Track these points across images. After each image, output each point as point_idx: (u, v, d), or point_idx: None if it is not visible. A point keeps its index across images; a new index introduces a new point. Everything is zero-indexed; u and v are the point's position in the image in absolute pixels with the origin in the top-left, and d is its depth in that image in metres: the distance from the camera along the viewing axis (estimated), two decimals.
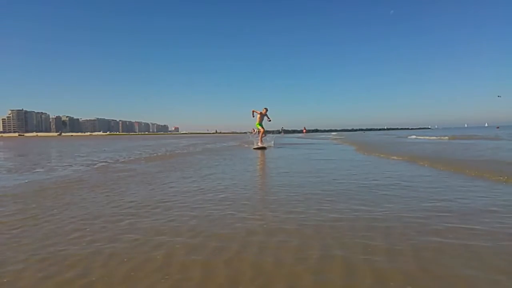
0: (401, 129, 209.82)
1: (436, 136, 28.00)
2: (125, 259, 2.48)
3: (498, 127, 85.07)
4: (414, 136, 31.65)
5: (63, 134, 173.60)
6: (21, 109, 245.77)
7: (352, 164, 9.04)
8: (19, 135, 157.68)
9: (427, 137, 27.23)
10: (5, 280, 2.19)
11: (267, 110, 15.13)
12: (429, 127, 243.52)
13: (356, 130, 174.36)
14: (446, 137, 24.91)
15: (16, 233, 3.17)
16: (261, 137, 15.09)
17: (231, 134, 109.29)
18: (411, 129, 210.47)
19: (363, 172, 7.06)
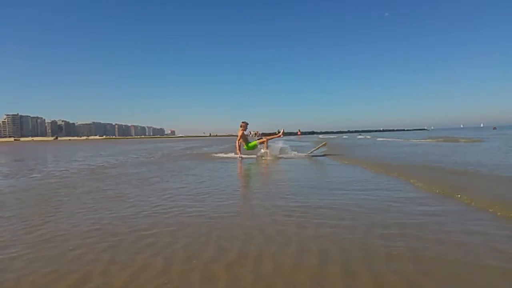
0: (397, 130, 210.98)
1: (401, 139, 30.26)
2: (125, 265, 2.48)
3: (495, 128, 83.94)
4: (381, 138, 34.96)
5: (59, 138, 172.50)
6: (16, 113, 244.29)
7: (298, 166, 9.61)
8: (14, 139, 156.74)
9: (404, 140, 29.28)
10: None
11: (246, 124, 11.74)
12: (425, 128, 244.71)
13: (352, 132, 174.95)
14: (429, 140, 26.14)
15: (14, 239, 3.15)
16: (265, 144, 11.66)
17: (228, 137, 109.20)
18: (407, 130, 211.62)
19: (295, 174, 8.00)
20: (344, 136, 61.41)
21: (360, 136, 54.34)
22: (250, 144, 11.90)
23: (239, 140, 11.58)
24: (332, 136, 70.53)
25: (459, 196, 4.49)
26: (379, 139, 34.32)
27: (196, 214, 3.94)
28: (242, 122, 11.68)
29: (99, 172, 9.13)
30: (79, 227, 3.52)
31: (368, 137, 47.48)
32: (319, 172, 8.20)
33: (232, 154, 13.06)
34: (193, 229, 3.35)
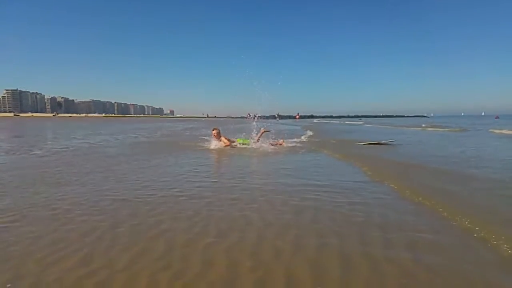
0: (396, 116, 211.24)
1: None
2: (126, 247, 2.55)
3: (497, 117, 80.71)
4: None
5: (59, 115, 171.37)
6: (16, 88, 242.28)
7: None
8: (14, 115, 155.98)
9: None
10: (8, 267, 2.26)
11: (216, 130, 10.42)
12: (425, 115, 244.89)
13: (352, 117, 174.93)
14: (413, 127, 27.82)
15: (18, 217, 3.23)
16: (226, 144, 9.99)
17: (226, 119, 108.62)
18: (407, 116, 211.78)
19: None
20: (333, 121, 63.44)
21: (347, 122, 57.67)
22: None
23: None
24: (325, 120, 72.60)
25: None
26: (366, 125, 36.56)
27: (197, 197, 4.03)
28: (214, 129, 10.52)
29: (100, 151, 9.22)
30: (81, 207, 3.59)
31: (359, 122, 48.95)
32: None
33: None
34: (193, 212, 3.44)
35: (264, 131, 10.63)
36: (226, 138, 9.90)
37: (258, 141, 10.26)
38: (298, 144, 11.23)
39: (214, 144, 9.89)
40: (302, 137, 13.14)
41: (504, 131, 18.49)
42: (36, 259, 2.35)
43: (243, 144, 10.12)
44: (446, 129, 23.18)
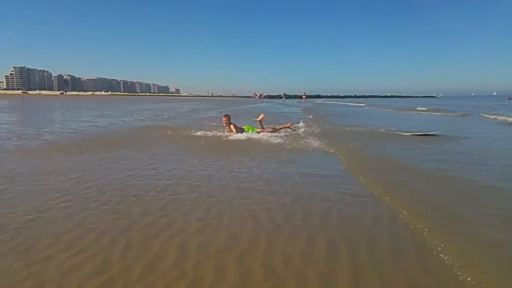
0: (404, 96, 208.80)
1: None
2: (140, 253, 2.62)
3: (510, 98, 76.20)
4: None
5: (66, 93, 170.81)
6: (23, 66, 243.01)
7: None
8: (22, 92, 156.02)
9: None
10: (30, 272, 2.32)
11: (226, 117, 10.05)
12: (434, 95, 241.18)
13: (359, 97, 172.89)
14: (409, 111, 27.76)
15: (32, 216, 3.29)
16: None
17: (232, 98, 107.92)
18: (415, 97, 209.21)
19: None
20: (335, 102, 64.26)
21: (350, 103, 57.03)
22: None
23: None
24: (329, 101, 72.95)
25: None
26: (367, 108, 36.81)
27: (207, 193, 4.07)
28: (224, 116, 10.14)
29: (109, 137, 9.36)
30: (94, 204, 3.65)
31: (361, 104, 48.63)
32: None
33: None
34: (203, 211, 3.49)
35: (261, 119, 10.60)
36: (234, 126, 9.82)
37: (274, 132, 10.05)
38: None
39: (223, 131, 9.86)
40: (301, 123, 12.18)
41: (499, 118, 17.39)
42: (56, 265, 2.41)
43: (251, 131, 9.96)
44: (447, 114, 22.21)
